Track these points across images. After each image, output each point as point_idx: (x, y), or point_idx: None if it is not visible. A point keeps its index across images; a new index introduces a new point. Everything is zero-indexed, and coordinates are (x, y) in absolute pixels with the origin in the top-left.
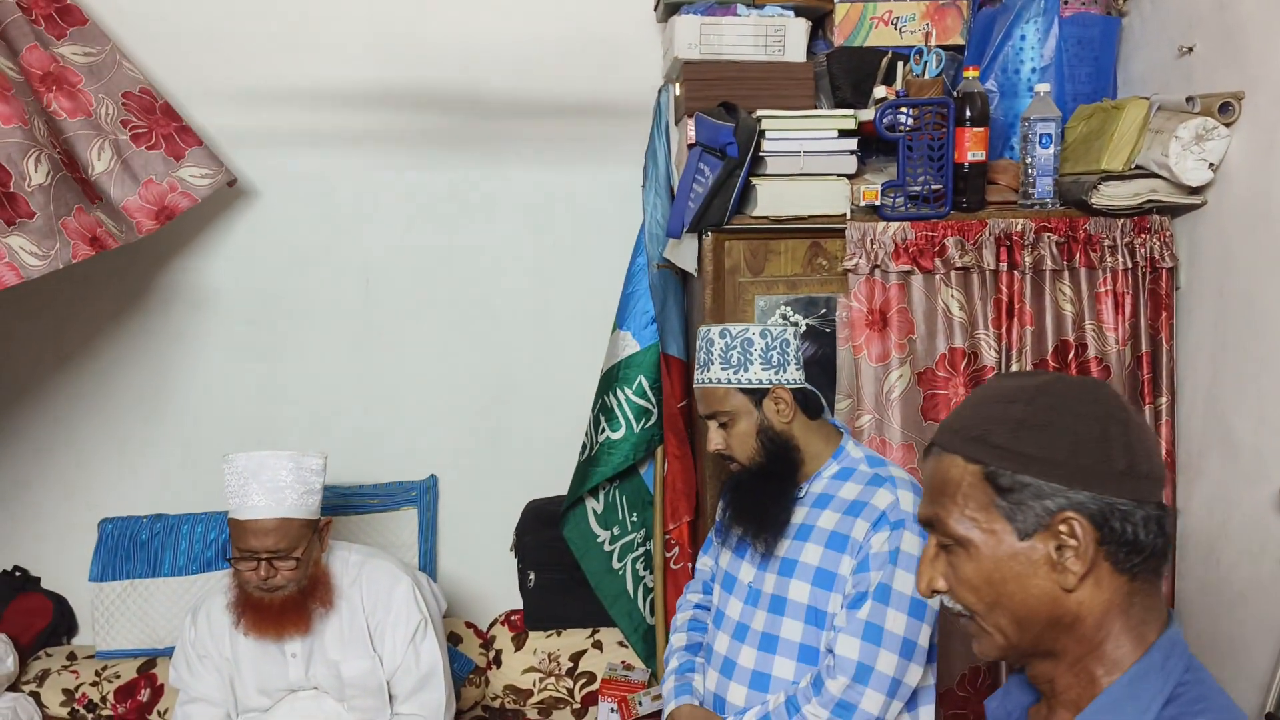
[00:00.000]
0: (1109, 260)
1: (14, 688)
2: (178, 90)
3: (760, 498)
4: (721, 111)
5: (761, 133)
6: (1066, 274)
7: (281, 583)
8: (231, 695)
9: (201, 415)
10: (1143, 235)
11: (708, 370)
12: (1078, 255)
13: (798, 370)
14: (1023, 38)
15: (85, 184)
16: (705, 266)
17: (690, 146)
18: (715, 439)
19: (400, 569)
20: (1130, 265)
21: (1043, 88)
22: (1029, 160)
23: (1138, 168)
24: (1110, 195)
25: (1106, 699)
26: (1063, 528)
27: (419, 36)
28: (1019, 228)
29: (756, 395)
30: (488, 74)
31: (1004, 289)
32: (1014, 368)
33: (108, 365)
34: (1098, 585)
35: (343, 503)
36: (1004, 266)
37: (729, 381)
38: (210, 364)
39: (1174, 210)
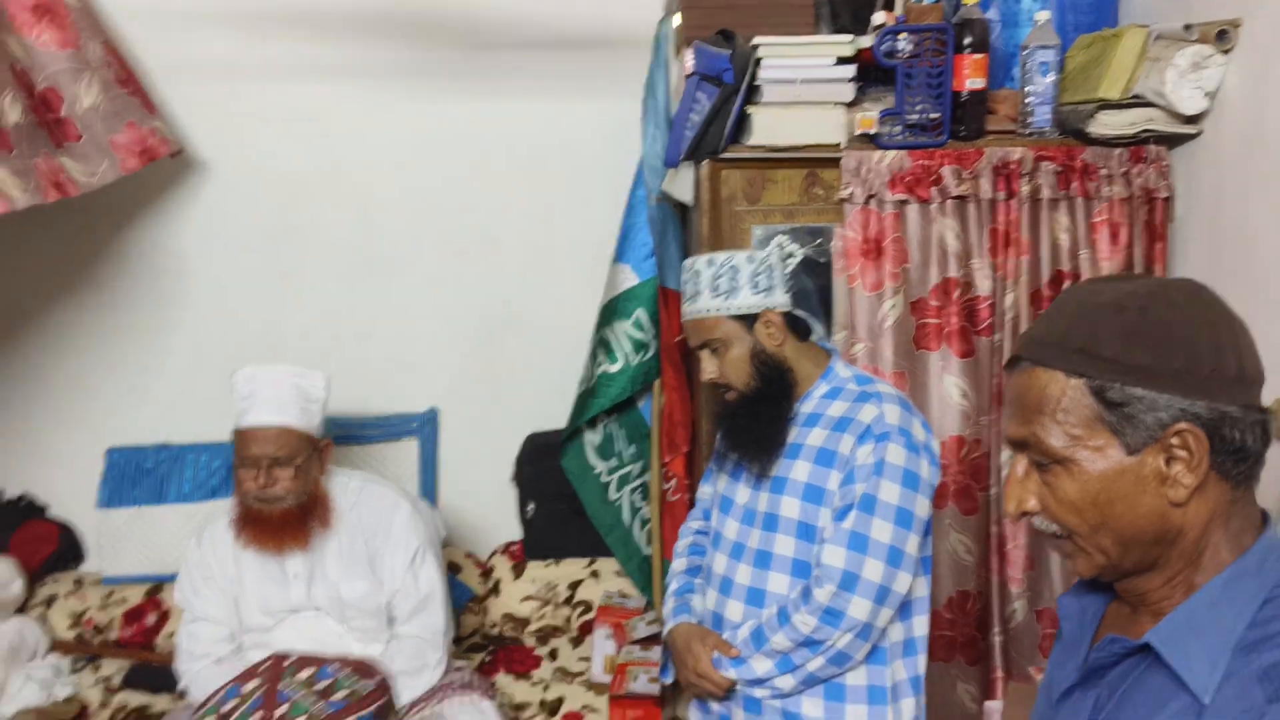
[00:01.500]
0: (1105, 190)
1: (21, 611)
2: (171, 17)
3: (756, 421)
4: (719, 39)
5: (758, 60)
6: (1063, 203)
7: (280, 493)
8: (235, 615)
9: (205, 346)
10: (1139, 165)
11: (696, 301)
12: (1074, 184)
13: (785, 293)
14: None
15: (57, 125)
16: (702, 195)
17: (688, 76)
18: (709, 367)
19: (399, 494)
20: (1127, 195)
21: (1042, 15)
22: (1028, 89)
23: (1135, 97)
24: (1107, 124)
25: (1199, 601)
26: (1175, 440)
27: None
28: (1016, 156)
29: (748, 320)
30: (487, 5)
31: (1000, 218)
32: (1009, 297)
33: (112, 295)
34: (1204, 497)
35: (345, 434)
36: (1001, 196)
37: (719, 310)
38: (214, 295)
39: (1171, 140)
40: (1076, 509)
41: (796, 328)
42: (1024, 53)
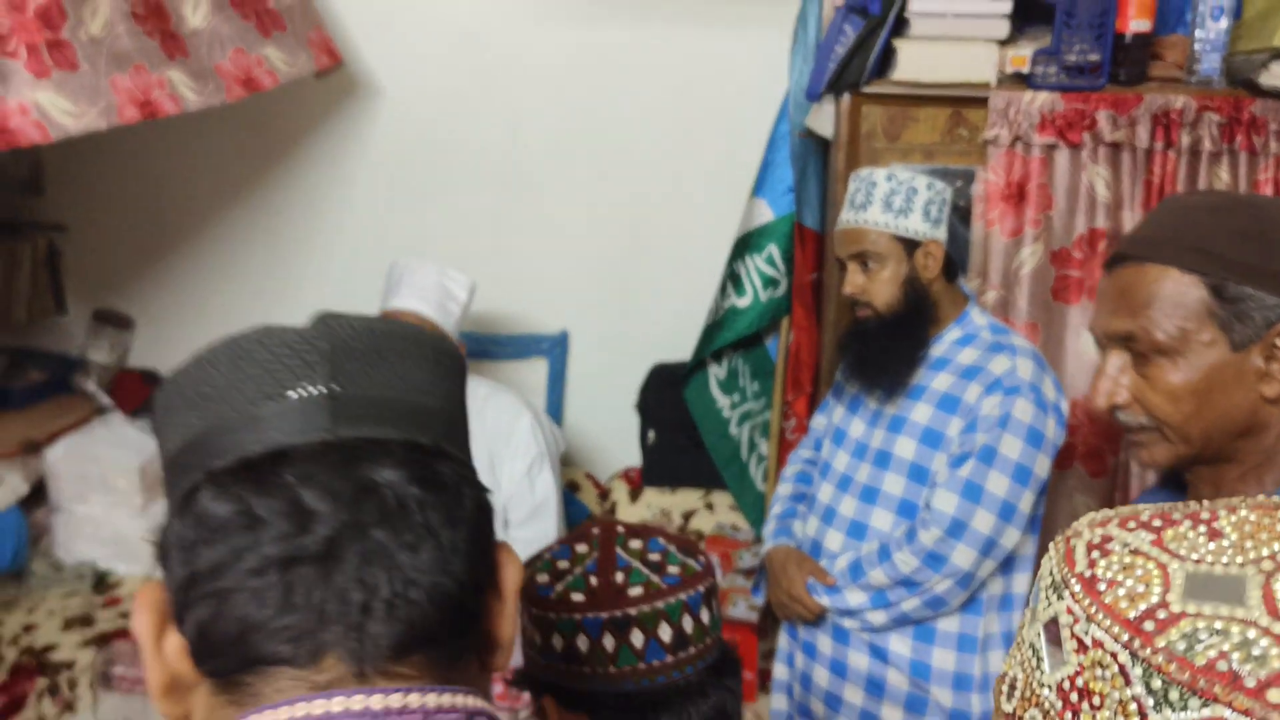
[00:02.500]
0: (1273, 146)
1: None
2: None
3: (888, 349)
4: None
5: None
6: (1225, 157)
7: None
8: None
9: (360, 249)
10: None
11: (864, 211)
12: (1239, 138)
13: (945, 231)
14: None
15: (266, 15)
16: (840, 130)
17: (837, 7)
18: (856, 280)
19: (523, 404)
20: None
21: None
22: (1197, 33)
23: None
24: None
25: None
26: (1279, 339)
27: None
28: (1179, 105)
29: (910, 245)
30: None
31: (1156, 169)
32: None
33: (278, 197)
34: None
35: (478, 349)
36: (1159, 146)
37: (888, 226)
38: (369, 203)
39: None
40: (1175, 399)
41: (948, 266)
42: None
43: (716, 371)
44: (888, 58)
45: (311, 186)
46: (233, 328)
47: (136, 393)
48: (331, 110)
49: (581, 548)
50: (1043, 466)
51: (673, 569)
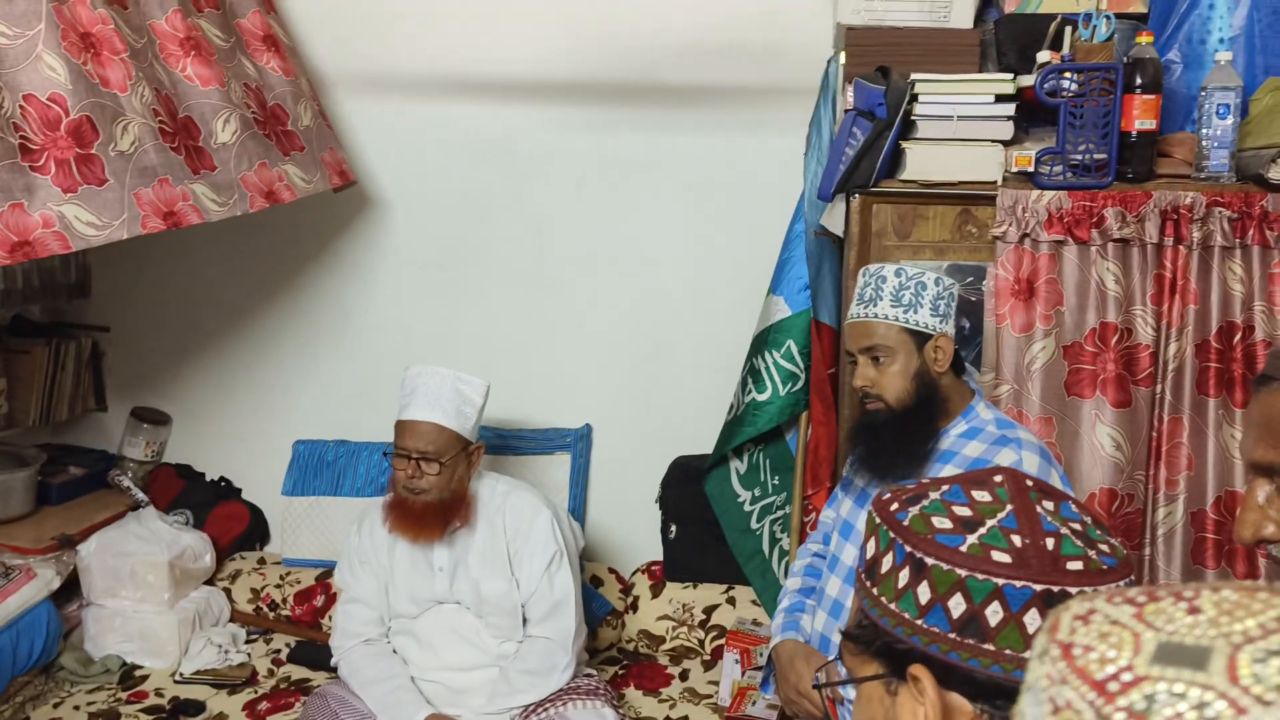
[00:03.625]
0: None
1: (210, 582)
2: (358, 59)
3: (898, 442)
4: (878, 75)
5: (914, 96)
6: (1238, 251)
7: (425, 486)
8: (386, 600)
9: (385, 350)
10: None
11: (874, 305)
12: (1251, 232)
13: (954, 326)
14: (1211, 6)
15: (285, 136)
16: (852, 228)
17: (847, 111)
18: (866, 373)
19: (542, 501)
20: None
21: (1224, 55)
22: (1204, 131)
23: None
24: None
25: None
26: None
27: (597, 14)
28: (1188, 200)
29: (920, 339)
30: (661, 49)
31: (1167, 264)
32: (1172, 347)
33: (307, 301)
34: None
35: (501, 443)
36: (1169, 241)
37: (898, 319)
38: (395, 304)
39: None
40: None
41: (956, 360)
42: (1202, 94)
43: (738, 465)
44: (897, 158)
45: (341, 289)
46: (264, 426)
47: (171, 487)
48: (361, 215)
49: (982, 495)
50: None
51: (1104, 547)
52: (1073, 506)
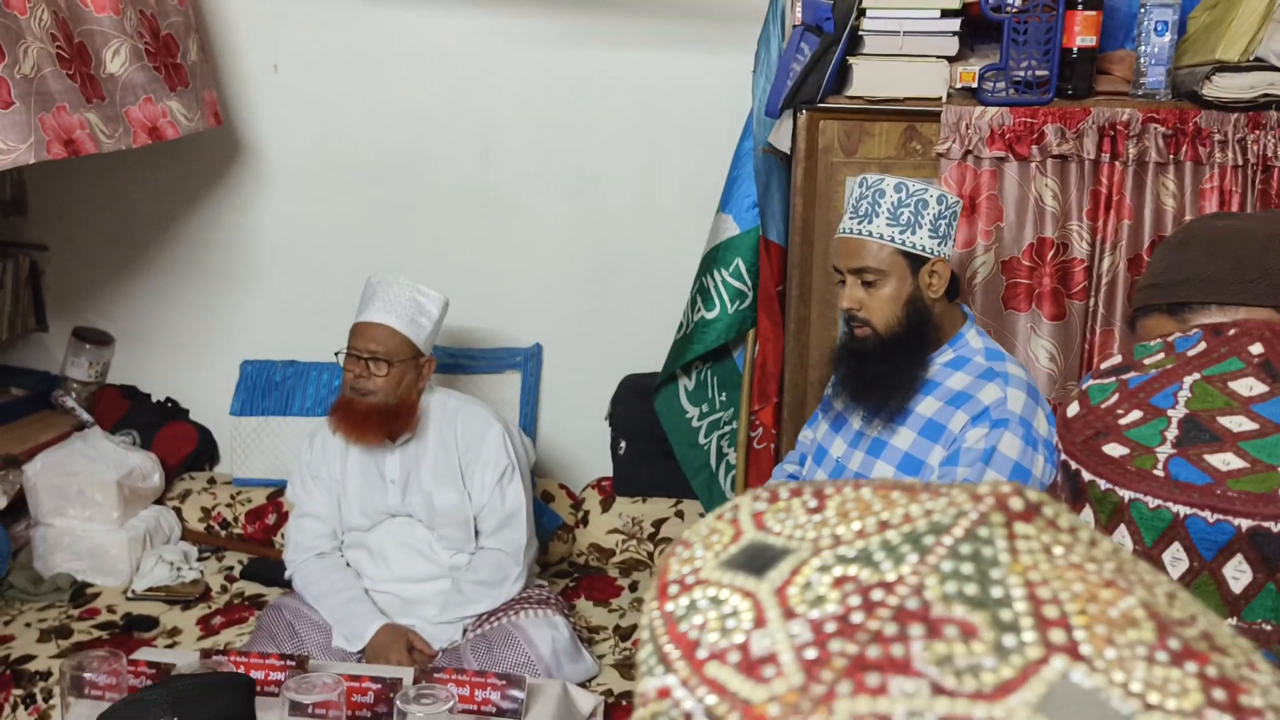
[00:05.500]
0: (1218, 156)
1: (159, 502)
2: None
3: (886, 370)
4: None
5: (862, 10)
6: (1172, 168)
7: (372, 388)
8: (338, 514)
9: (332, 270)
10: (1257, 132)
11: (869, 222)
12: (1184, 149)
13: (953, 247)
14: None
15: (174, 70)
16: (798, 145)
17: (795, 27)
18: (854, 295)
19: (494, 415)
20: (1240, 162)
21: None
22: (1142, 48)
23: (1256, 60)
24: (1223, 87)
25: None
26: None
27: None
28: (1124, 117)
29: (916, 262)
30: None
31: (1104, 180)
32: (1106, 261)
33: (253, 219)
34: None
35: (452, 362)
36: (1105, 157)
37: (894, 240)
38: (341, 222)
39: None
40: None
41: (952, 284)
42: (1141, 11)
43: (686, 383)
44: (844, 75)
45: (285, 207)
46: (210, 347)
47: (116, 408)
48: (302, 130)
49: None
50: None
51: None
52: None
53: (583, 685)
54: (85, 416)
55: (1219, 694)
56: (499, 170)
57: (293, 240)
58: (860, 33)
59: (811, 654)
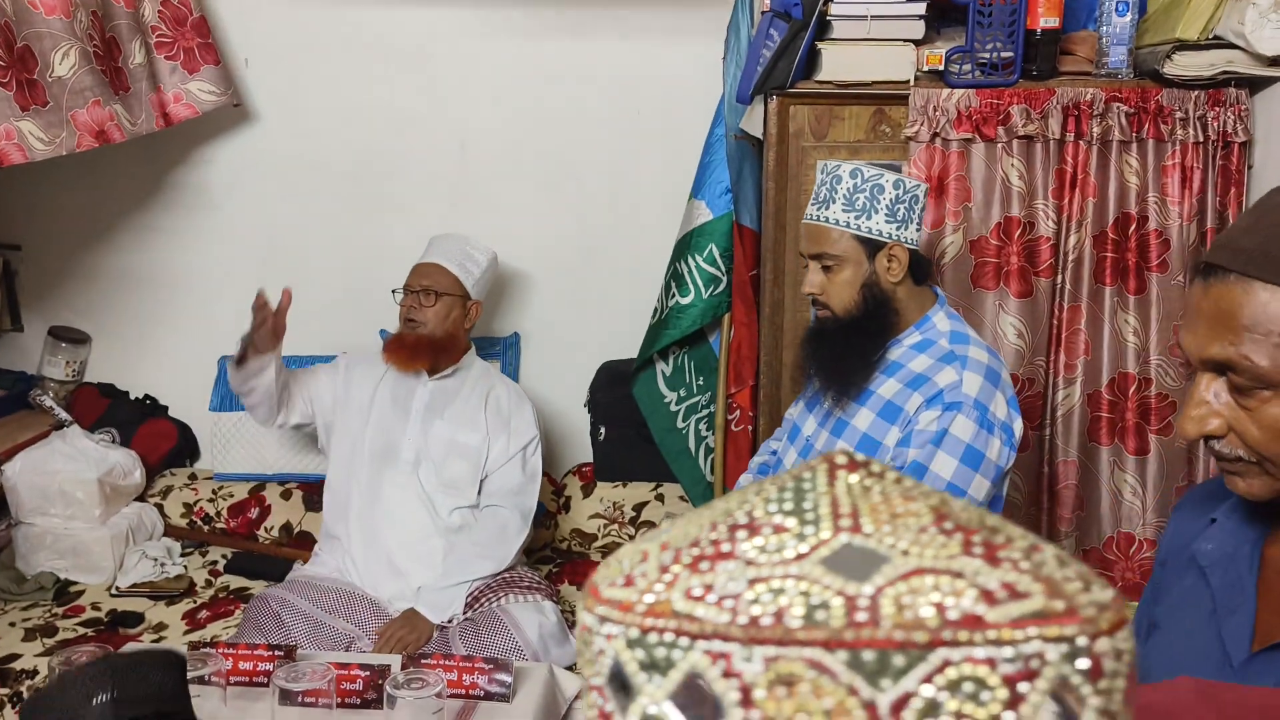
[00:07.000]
0: (1179, 133)
1: (141, 499)
2: None
3: (844, 351)
4: None
5: None
6: (1134, 145)
7: (422, 319)
8: (312, 409)
9: (308, 265)
10: (1217, 109)
11: (827, 208)
12: (1147, 126)
13: (918, 230)
14: None
15: (119, 73)
16: (769, 130)
17: (764, 13)
18: (813, 280)
19: (527, 397)
20: (1201, 139)
21: None
22: (1104, 28)
23: (1215, 38)
24: (1184, 65)
25: None
26: None
27: None
28: (1088, 97)
29: (872, 246)
30: None
31: (1068, 159)
32: (1072, 239)
33: (229, 215)
34: None
35: None
36: (1070, 136)
37: (848, 225)
38: (317, 218)
39: (1253, 84)
40: None
41: (917, 268)
42: None
43: (663, 368)
44: (813, 60)
45: (259, 203)
46: (188, 344)
47: (95, 406)
48: (276, 126)
49: None
50: (979, 489)
51: None
52: None
53: (569, 669)
54: (64, 415)
55: (978, 550)
56: (475, 161)
57: (269, 235)
58: (828, 18)
59: (668, 559)
